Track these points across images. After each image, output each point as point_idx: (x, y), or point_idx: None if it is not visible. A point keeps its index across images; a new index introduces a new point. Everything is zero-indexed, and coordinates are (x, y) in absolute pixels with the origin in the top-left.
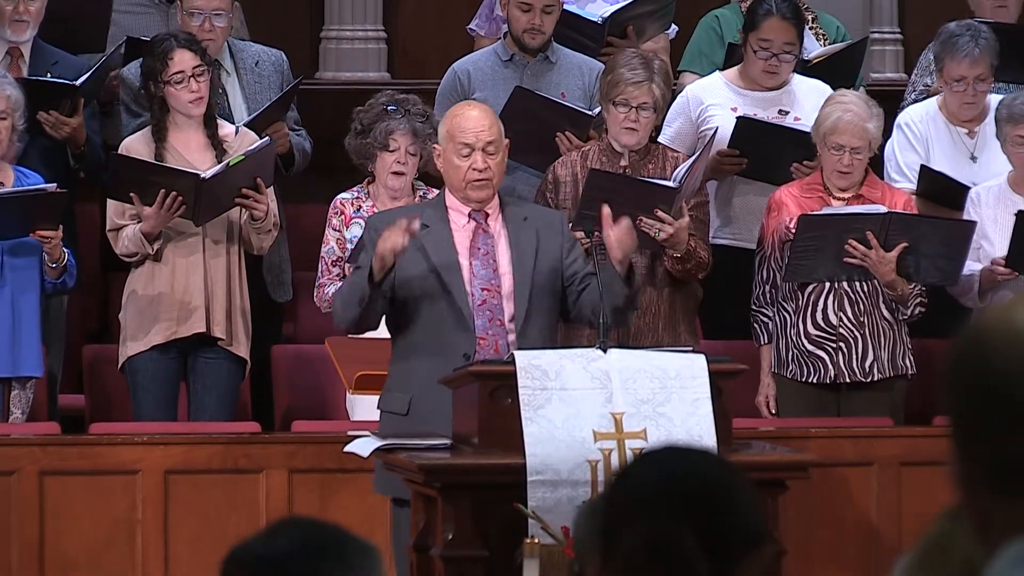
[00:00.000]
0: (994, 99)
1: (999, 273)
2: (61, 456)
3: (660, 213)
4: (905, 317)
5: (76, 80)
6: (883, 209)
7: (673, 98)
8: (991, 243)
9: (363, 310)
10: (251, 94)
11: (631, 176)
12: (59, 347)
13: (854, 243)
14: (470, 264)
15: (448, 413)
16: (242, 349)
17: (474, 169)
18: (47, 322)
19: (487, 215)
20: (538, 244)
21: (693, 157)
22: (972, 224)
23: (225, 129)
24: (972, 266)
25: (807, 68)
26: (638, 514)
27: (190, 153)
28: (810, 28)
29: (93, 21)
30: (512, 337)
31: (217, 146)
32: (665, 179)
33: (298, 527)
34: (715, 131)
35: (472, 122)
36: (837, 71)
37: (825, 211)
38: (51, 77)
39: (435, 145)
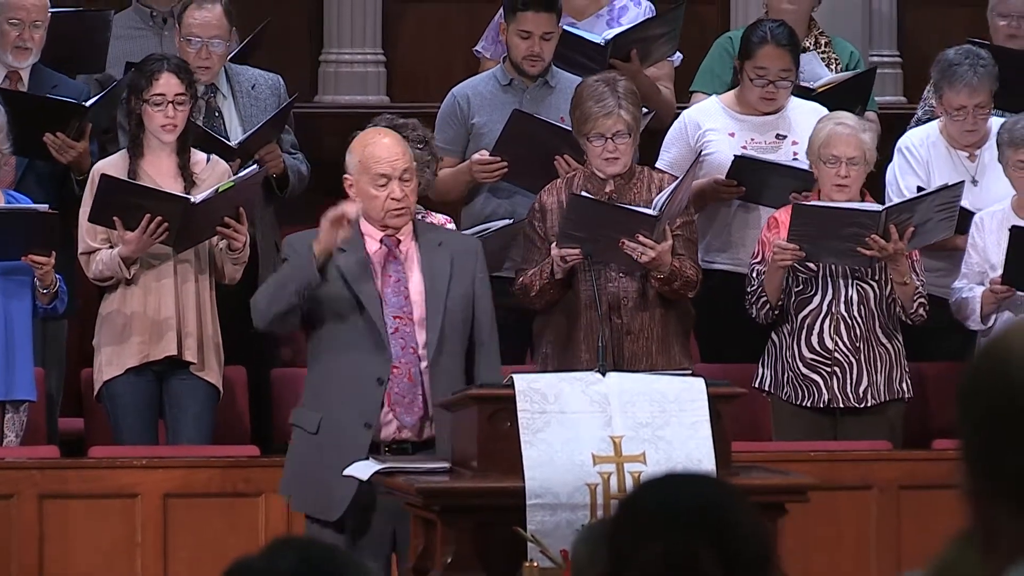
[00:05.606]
0: (995, 122)
1: (997, 291)
2: (60, 480)
3: (641, 238)
4: (910, 318)
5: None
6: (878, 207)
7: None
8: (996, 269)
9: (288, 308)
10: (247, 117)
11: (611, 203)
12: (59, 371)
13: (875, 237)
14: (381, 291)
15: (358, 437)
16: (213, 375)
17: (392, 199)
18: (47, 346)
19: (398, 241)
20: (452, 270)
21: (674, 183)
22: (959, 184)
23: (196, 157)
24: (975, 289)
25: (811, 96)
26: (653, 531)
27: (161, 177)
28: (822, 53)
29: (89, 42)
30: (425, 364)
31: (187, 177)
32: (649, 202)
33: (297, 547)
34: (698, 156)
35: (386, 151)
36: (843, 101)
37: (818, 203)
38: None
39: (346, 176)
